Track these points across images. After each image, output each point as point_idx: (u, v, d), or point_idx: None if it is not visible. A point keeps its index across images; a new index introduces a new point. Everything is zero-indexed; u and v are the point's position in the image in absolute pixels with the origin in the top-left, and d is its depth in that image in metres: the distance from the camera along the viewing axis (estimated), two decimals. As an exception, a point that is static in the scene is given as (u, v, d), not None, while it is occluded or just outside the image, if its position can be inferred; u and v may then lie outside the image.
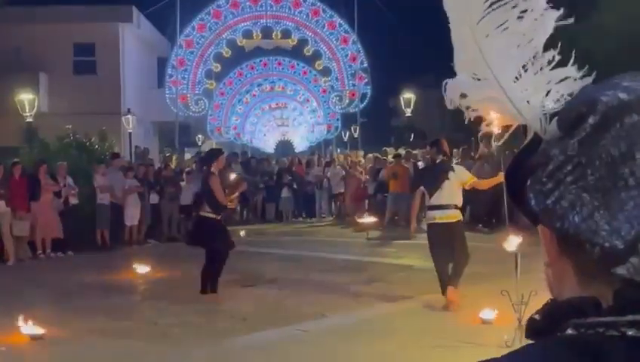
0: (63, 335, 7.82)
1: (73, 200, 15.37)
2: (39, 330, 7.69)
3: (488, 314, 7.84)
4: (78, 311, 9.05)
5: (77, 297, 10.06)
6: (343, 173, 21.70)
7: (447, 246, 8.99)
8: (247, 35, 30.19)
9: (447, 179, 8.91)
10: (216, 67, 30.98)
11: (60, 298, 9.87)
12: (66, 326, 8.12)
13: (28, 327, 7.70)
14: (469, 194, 18.22)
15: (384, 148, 23.99)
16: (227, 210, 9.80)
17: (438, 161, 9.32)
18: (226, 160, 11.45)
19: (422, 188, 9.29)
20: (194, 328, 8.17)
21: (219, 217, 9.38)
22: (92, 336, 7.89)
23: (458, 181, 9.03)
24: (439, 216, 8.95)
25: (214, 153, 10.21)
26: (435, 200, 8.95)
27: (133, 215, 16.24)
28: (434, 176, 9.16)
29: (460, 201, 9.17)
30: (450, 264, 9.10)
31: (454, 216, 9.06)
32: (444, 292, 8.85)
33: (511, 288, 6.95)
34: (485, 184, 9.72)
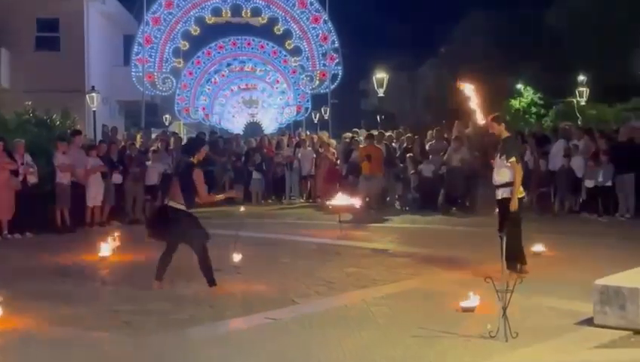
0: (14, 322, 7.24)
1: (32, 180, 14.67)
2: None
3: (470, 302, 7.42)
4: (33, 297, 8.48)
5: (32, 281, 9.48)
6: (314, 154, 21.26)
7: None
8: (217, 12, 29.53)
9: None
10: (185, 45, 30.32)
11: (13, 282, 9.28)
12: (19, 312, 7.54)
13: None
14: (442, 179, 18.06)
15: (355, 129, 23.52)
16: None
17: (506, 137, 9.54)
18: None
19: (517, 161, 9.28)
20: (157, 316, 7.65)
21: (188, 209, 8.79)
22: (47, 324, 7.33)
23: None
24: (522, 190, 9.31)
25: (196, 143, 9.62)
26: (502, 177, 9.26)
27: (95, 195, 15.61)
28: (521, 148, 9.49)
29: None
30: None
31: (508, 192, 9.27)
32: (514, 266, 8.79)
33: (495, 274, 6.52)
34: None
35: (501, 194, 9.36)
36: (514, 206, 9.19)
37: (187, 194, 8.72)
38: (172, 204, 8.76)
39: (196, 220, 8.86)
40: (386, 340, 6.54)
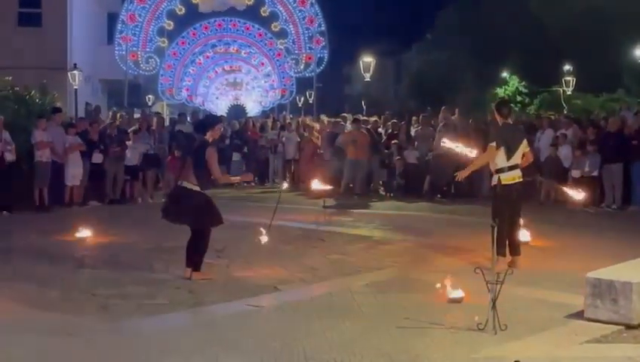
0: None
1: (10, 157, 14.33)
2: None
3: (458, 292, 7.23)
4: (7, 279, 8.24)
5: (6, 262, 9.20)
6: (298, 138, 21.02)
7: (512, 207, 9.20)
8: (202, -8, 29.22)
9: (524, 140, 9.30)
10: (169, 25, 30.01)
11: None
12: (-8, 295, 7.31)
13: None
14: (428, 166, 17.91)
15: (342, 114, 23.27)
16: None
17: (510, 122, 9.54)
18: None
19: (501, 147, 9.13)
20: (135, 300, 7.41)
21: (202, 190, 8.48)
22: (20, 307, 7.09)
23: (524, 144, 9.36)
24: (512, 177, 9.10)
25: (211, 120, 9.17)
26: (514, 160, 9.10)
27: (74, 174, 15.31)
28: (514, 138, 9.25)
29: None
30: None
31: (520, 176, 9.22)
32: (500, 253, 8.51)
33: (485, 264, 6.33)
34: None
35: (493, 181, 9.21)
36: (460, 175, 9.62)
37: (201, 174, 8.39)
38: (185, 184, 8.40)
39: (210, 202, 8.55)
40: (371, 330, 6.34)
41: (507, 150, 9.07)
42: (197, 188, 8.36)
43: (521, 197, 9.40)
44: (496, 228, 6.85)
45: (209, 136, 8.56)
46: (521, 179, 9.20)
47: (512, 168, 9.08)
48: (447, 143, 10.76)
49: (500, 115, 9.41)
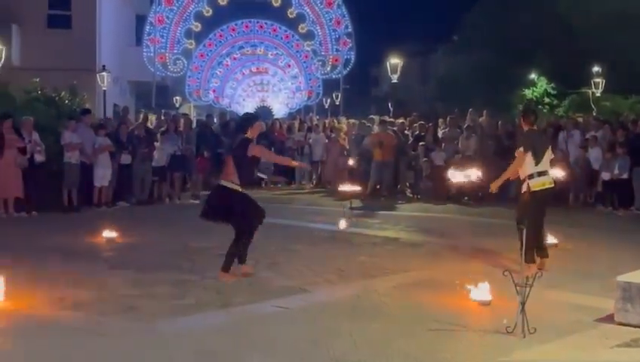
0: (17, 304, 7.05)
1: (39, 158, 14.47)
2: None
3: (486, 294, 7.18)
4: (36, 278, 8.28)
5: (36, 262, 9.27)
6: (326, 140, 21.02)
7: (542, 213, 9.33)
8: (230, -7, 29.38)
9: (550, 146, 9.36)
10: (197, 26, 30.17)
11: (18, 263, 9.10)
12: (22, 294, 7.35)
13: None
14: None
15: (370, 116, 23.20)
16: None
17: (535, 128, 9.59)
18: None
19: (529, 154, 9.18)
20: (163, 300, 7.44)
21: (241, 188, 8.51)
22: (49, 307, 7.14)
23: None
24: (541, 183, 9.11)
25: (250, 118, 9.08)
26: (543, 166, 9.14)
27: (103, 175, 15.41)
28: (542, 143, 9.34)
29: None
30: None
31: (551, 181, 9.24)
32: (528, 260, 8.34)
33: (513, 266, 6.26)
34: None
35: (523, 188, 9.20)
36: (493, 186, 9.49)
37: (242, 173, 8.40)
38: (225, 183, 8.41)
39: (252, 201, 8.58)
40: (399, 333, 6.31)
41: (534, 155, 9.09)
42: (238, 188, 8.38)
43: (548, 203, 9.38)
44: (524, 233, 6.77)
45: (249, 134, 8.56)
46: (552, 185, 9.18)
47: (541, 174, 9.08)
48: (455, 177, 10.65)
49: (526, 122, 9.45)
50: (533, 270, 7.52)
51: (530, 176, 9.06)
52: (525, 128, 9.46)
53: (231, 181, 8.37)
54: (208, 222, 8.64)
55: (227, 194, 8.38)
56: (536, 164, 9.06)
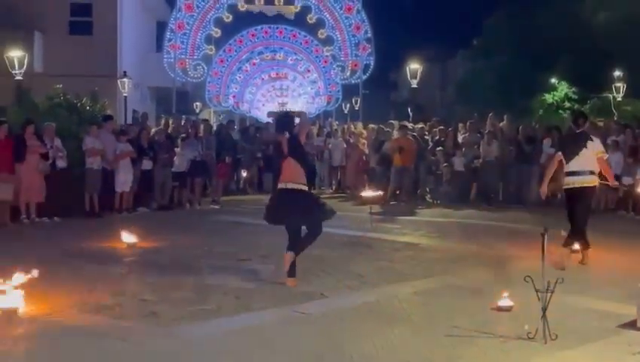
0: (39, 309, 7.12)
1: (61, 164, 14.60)
2: (14, 303, 6.97)
3: (507, 300, 7.15)
4: (58, 283, 8.35)
5: (58, 267, 9.33)
6: (345, 144, 21.02)
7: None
8: (249, 0, 29.43)
9: (585, 148, 9.61)
10: (217, 32, 30.23)
11: (40, 267, 9.05)
12: (44, 298, 7.42)
13: (2, 299, 6.98)
14: (475, 173, 17.79)
15: (390, 121, 23.15)
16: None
17: (578, 131, 9.91)
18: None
19: (559, 154, 9.87)
20: (183, 305, 7.47)
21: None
22: (71, 311, 7.20)
23: (593, 150, 9.69)
24: (579, 182, 9.59)
25: (290, 120, 8.93)
26: (571, 166, 9.63)
27: (124, 181, 15.50)
28: (573, 145, 9.77)
29: (596, 168, 9.74)
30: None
31: (591, 181, 9.68)
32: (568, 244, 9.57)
33: (534, 273, 6.22)
34: (606, 170, 10.11)
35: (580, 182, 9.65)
36: (542, 190, 10.15)
37: (305, 171, 8.50)
38: (291, 185, 8.36)
39: (318, 198, 8.81)
40: (419, 338, 6.30)
41: (564, 156, 9.65)
42: (305, 187, 8.43)
43: (578, 202, 9.70)
44: (546, 235, 6.73)
45: (297, 132, 8.62)
46: (582, 185, 9.58)
47: (570, 174, 9.60)
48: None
49: (575, 125, 10.08)
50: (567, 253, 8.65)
51: (566, 175, 9.67)
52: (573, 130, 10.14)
53: (297, 182, 8.37)
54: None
55: (297, 195, 8.36)
56: (566, 163, 9.62)
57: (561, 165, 9.78)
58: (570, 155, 9.61)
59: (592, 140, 9.76)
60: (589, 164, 9.62)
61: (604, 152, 10.11)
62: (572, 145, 9.76)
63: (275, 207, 8.57)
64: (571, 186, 9.63)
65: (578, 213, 9.64)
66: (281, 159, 8.52)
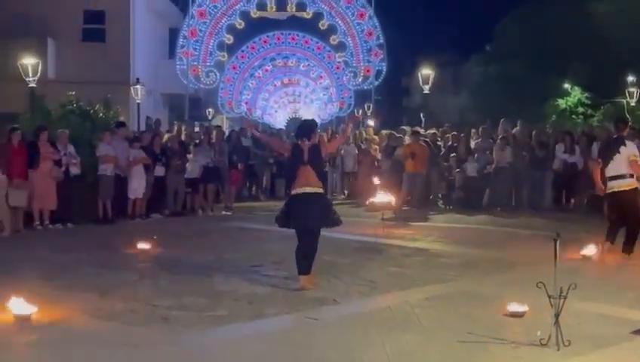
0: (52, 315, 7.14)
1: (74, 170, 14.67)
2: (27, 309, 7.00)
3: (519, 306, 7.11)
4: (71, 289, 8.40)
5: (70, 273, 9.39)
6: (357, 151, 21.01)
7: (616, 213, 10.32)
8: (261, 6, 29.54)
9: (618, 152, 9.99)
10: (229, 39, 30.38)
11: (53, 273, 9.24)
12: (56, 305, 7.46)
13: (15, 305, 7.02)
14: (488, 178, 17.74)
15: (402, 127, 23.12)
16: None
17: (614, 137, 10.42)
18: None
19: (598, 160, 10.41)
20: (195, 311, 7.48)
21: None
22: (83, 317, 7.23)
23: (626, 154, 10.01)
24: (617, 186, 10.04)
25: (313, 125, 9.03)
26: (608, 171, 10.10)
27: (137, 187, 15.55)
28: (609, 149, 10.26)
29: (630, 171, 10.05)
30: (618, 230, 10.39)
31: (627, 184, 10.04)
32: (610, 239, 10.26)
33: (547, 279, 6.18)
34: (638, 173, 10.25)
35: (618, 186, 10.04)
36: (598, 190, 10.47)
37: (321, 177, 8.60)
38: (309, 190, 8.44)
39: (331, 203, 8.97)
40: (431, 344, 6.28)
41: (603, 161, 10.18)
42: (321, 190, 8.55)
43: (622, 205, 10.13)
44: (558, 241, 6.70)
45: (314, 140, 8.67)
46: (620, 189, 9.98)
47: (609, 179, 10.05)
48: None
49: (615, 130, 10.50)
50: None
51: (607, 180, 10.08)
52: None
53: (315, 186, 8.46)
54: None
55: (316, 199, 8.48)
56: (605, 168, 10.07)
57: (601, 170, 10.16)
58: (606, 160, 10.03)
59: (625, 145, 10.02)
60: (623, 167, 9.94)
61: (637, 155, 10.17)
62: (608, 150, 10.20)
63: (289, 212, 8.59)
64: (610, 191, 10.03)
65: (629, 218, 10.11)
66: (297, 164, 8.55)
